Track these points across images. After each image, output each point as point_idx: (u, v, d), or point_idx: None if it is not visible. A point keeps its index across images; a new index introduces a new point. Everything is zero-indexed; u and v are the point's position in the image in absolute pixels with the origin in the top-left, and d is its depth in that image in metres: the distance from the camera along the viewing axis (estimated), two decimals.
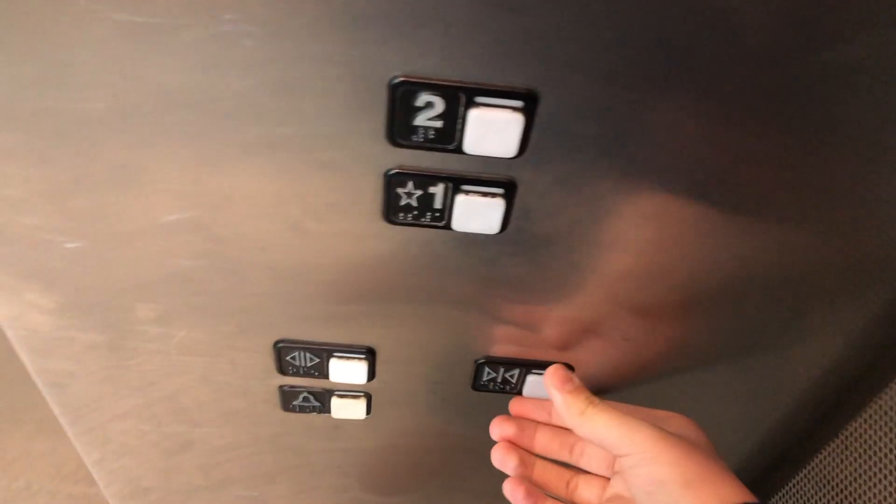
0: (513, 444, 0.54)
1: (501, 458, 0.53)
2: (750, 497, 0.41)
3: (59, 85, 0.35)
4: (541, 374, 0.55)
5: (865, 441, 0.59)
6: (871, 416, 0.58)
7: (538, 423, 0.55)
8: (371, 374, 0.55)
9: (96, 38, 0.33)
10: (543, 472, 0.54)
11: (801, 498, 0.67)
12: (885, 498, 0.56)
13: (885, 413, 0.56)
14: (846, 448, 0.61)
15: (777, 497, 0.71)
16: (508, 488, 0.53)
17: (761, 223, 0.44)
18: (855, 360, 0.56)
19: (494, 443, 0.54)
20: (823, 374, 0.58)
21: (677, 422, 0.48)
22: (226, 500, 0.78)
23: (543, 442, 0.54)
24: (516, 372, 0.55)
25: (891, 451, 0.55)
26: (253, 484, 0.75)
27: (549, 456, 0.54)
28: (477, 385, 0.56)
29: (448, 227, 0.42)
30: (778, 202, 0.43)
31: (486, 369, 0.54)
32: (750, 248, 0.46)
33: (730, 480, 0.43)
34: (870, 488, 0.58)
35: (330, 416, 0.61)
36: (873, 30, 0.33)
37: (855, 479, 0.60)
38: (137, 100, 0.36)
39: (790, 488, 0.69)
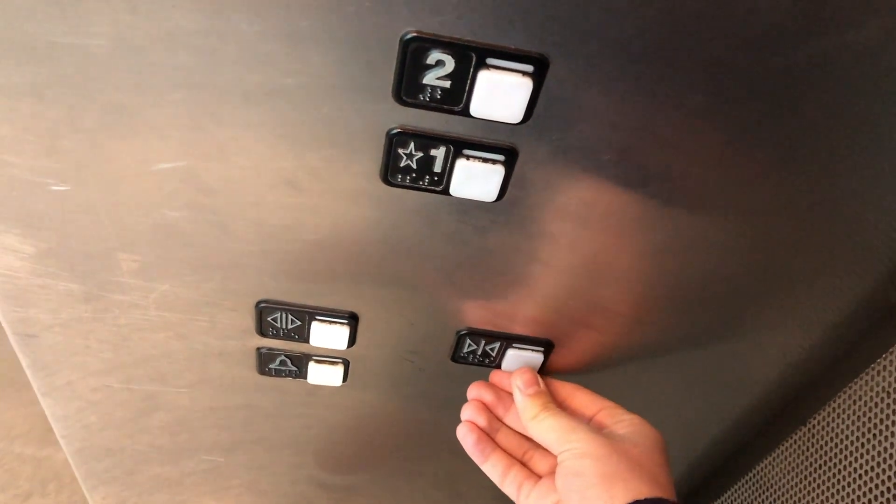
0: (485, 405, 0.55)
1: (472, 413, 0.55)
2: (662, 494, 0.44)
3: (62, 17, 0.34)
4: (522, 348, 0.55)
5: (830, 431, 0.60)
6: (836, 407, 0.59)
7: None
8: (352, 341, 0.55)
9: None
10: (504, 437, 0.55)
11: (765, 484, 0.68)
12: (848, 485, 0.57)
13: (851, 405, 0.58)
14: (811, 437, 0.62)
15: (741, 482, 0.72)
16: (462, 431, 0.54)
17: (741, 214, 0.45)
18: (824, 352, 0.57)
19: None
20: (791, 364, 0.59)
21: (631, 423, 0.50)
22: (187, 465, 0.77)
23: (515, 416, 0.55)
24: (497, 345, 0.55)
25: (856, 439, 0.57)
26: (216, 452, 0.74)
27: (518, 430, 0.55)
28: (456, 356, 0.56)
29: (446, 191, 0.42)
30: (758, 193, 0.44)
31: (468, 341, 0.54)
32: (733, 238, 0.47)
33: (647, 478, 0.45)
34: (832, 476, 0.59)
35: (304, 382, 0.61)
36: (883, 15, 0.34)
37: (818, 468, 0.61)
38: (141, 39, 0.35)
39: (754, 475, 0.71)
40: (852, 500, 0.57)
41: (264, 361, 0.58)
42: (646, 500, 0.43)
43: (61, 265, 0.48)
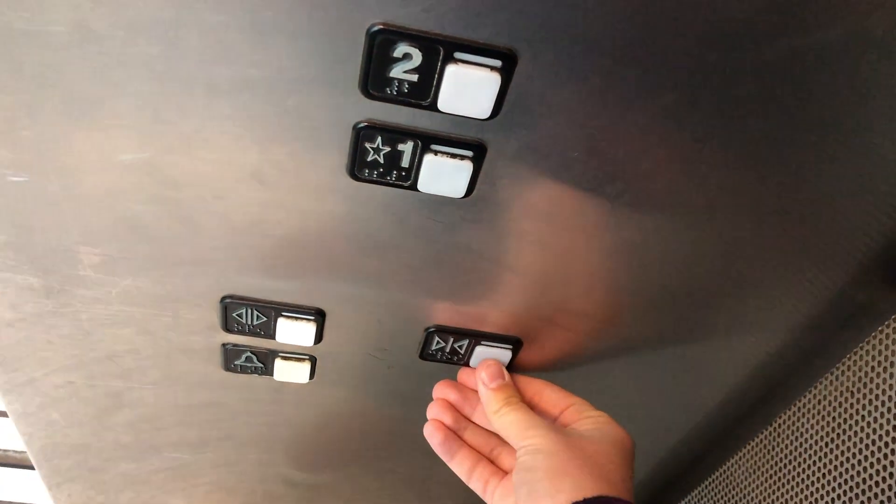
0: (451, 405, 0.55)
1: (438, 412, 0.55)
2: (612, 492, 0.44)
3: (19, 2, 0.33)
4: (490, 346, 0.55)
5: (795, 431, 0.60)
6: (801, 407, 0.60)
7: None
8: (319, 337, 0.54)
9: None
10: (472, 435, 0.55)
11: (731, 484, 0.69)
12: (811, 484, 0.58)
13: (816, 405, 0.58)
14: (776, 437, 0.63)
15: (707, 482, 0.73)
16: (428, 430, 0.55)
17: (708, 215, 0.45)
18: (789, 353, 0.58)
19: None
20: (757, 365, 0.59)
21: (596, 420, 0.50)
22: (153, 463, 0.76)
23: (482, 414, 0.55)
24: (465, 343, 0.55)
25: (820, 438, 0.57)
26: (183, 449, 0.73)
27: (486, 427, 0.55)
28: (424, 354, 0.56)
29: (414, 187, 0.41)
30: (725, 194, 0.44)
31: (436, 338, 0.54)
32: (699, 239, 0.47)
33: (598, 475, 0.44)
34: (797, 475, 0.60)
35: (271, 379, 0.60)
36: (846, 16, 0.34)
37: (783, 468, 0.62)
38: (102, 27, 0.34)
39: (720, 474, 0.71)
40: (816, 500, 0.57)
41: (230, 358, 0.57)
42: (593, 497, 0.43)
43: (21, 259, 0.47)
